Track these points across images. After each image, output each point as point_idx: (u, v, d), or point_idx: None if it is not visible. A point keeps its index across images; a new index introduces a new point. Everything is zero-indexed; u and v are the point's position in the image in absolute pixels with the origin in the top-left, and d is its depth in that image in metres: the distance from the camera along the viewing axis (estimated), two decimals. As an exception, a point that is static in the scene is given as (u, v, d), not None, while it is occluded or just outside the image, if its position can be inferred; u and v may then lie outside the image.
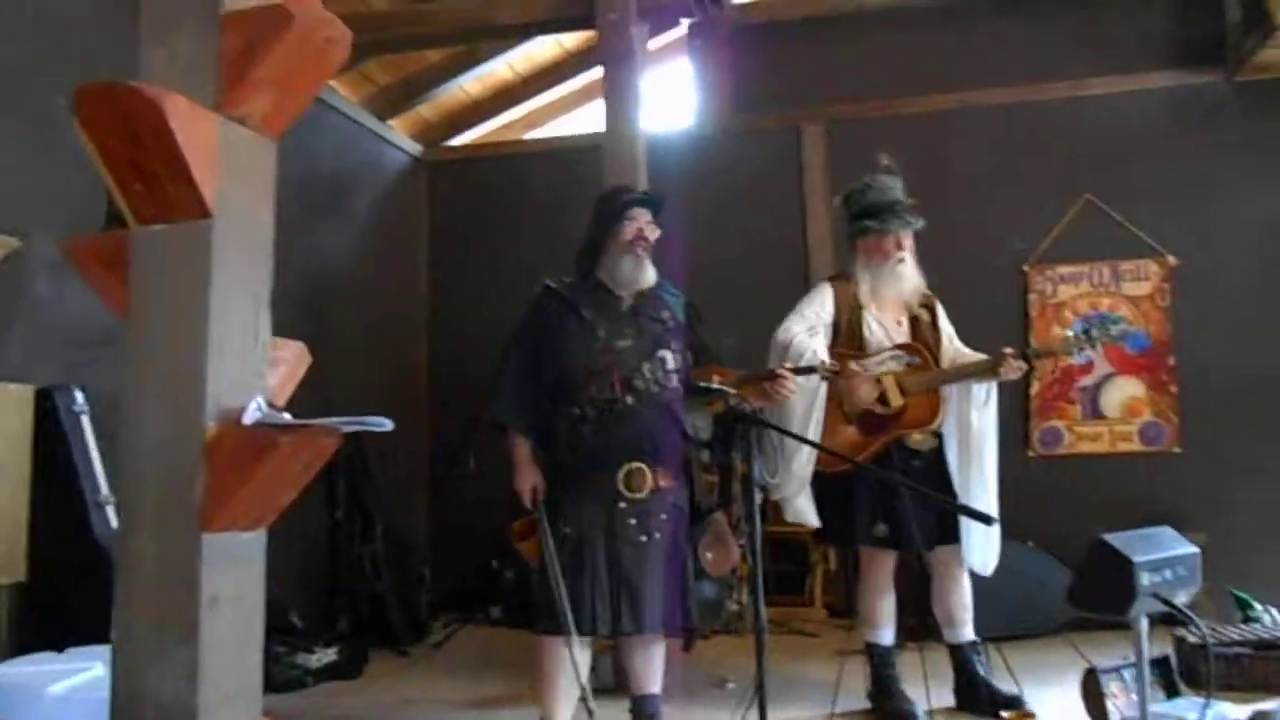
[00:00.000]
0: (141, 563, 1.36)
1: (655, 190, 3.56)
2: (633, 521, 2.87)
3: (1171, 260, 4.97)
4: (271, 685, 3.82)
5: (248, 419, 1.37)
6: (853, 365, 3.12)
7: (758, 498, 2.64)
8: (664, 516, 2.92)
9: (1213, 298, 4.90)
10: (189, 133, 1.34)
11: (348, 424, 1.37)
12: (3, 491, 3.03)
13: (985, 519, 2.68)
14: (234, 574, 1.38)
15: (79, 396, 3.31)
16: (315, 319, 4.83)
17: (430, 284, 6.10)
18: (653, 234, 3.06)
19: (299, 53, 1.45)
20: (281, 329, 1.64)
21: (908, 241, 3.48)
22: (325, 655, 4.10)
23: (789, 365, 3.08)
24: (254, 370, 1.45)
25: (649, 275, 3.05)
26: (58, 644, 2.47)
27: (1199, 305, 4.91)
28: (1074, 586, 2.32)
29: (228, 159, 1.42)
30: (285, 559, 4.52)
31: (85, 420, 3.30)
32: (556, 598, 2.76)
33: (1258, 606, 3.77)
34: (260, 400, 1.41)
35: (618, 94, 4.20)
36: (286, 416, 1.41)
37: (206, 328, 1.38)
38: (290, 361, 1.56)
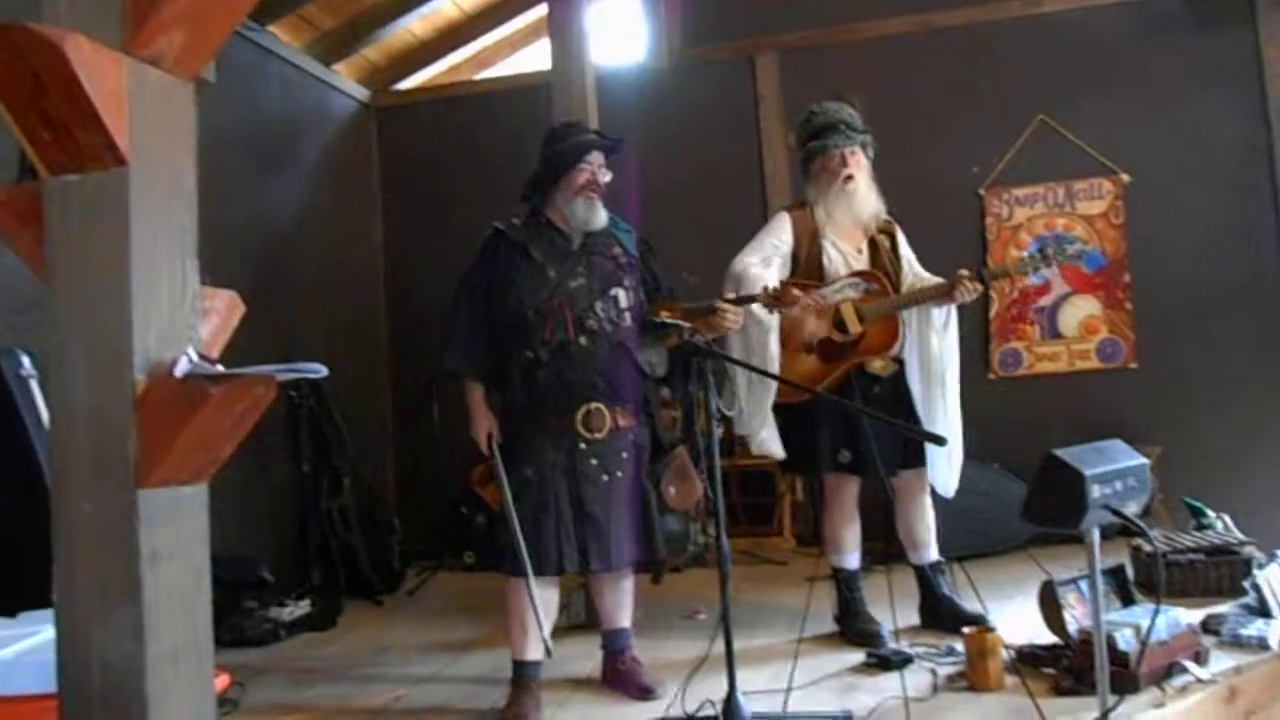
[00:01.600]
0: (79, 523, 1.34)
1: (607, 128, 3.50)
2: (594, 462, 2.88)
3: (1125, 177, 4.97)
4: (245, 640, 3.83)
5: (178, 371, 1.34)
6: (795, 292, 3.08)
7: (718, 431, 2.63)
8: (625, 455, 2.93)
9: (1166, 214, 4.91)
10: (94, 76, 1.28)
11: (281, 371, 1.35)
12: (-49, 460, 2.97)
13: (938, 440, 2.71)
14: (174, 529, 1.36)
15: (26, 361, 3.23)
16: (267, 272, 4.73)
17: (385, 231, 5.99)
18: (605, 178, 3.02)
19: (208, -12, 1.39)
20: (233, 283, 1.60)
21: (855, 159, 3.45)
22: (298, 608, 4.11)
23: (728, 296, 3.07)
24: (183, 321, 1.41)
25: (601, 218, 3.02)
26: (12, 610, 2.43)
27: (1153, 222, 4.93)
28: (1028, 502, 2.34)
29: (140, 103, 1.36)
30: (254, 515, 4.51)
31: (34, 385, 3.22)
32: (513, 539, 2.77)
33: (1210, 514, 3.85)
34: (191, 352, 1.37)
35: (564, 30, 4.10)
36: (219, 368, 1.37)
37: (130, 280, 1.34)
38: (221, 311, 1.52)
